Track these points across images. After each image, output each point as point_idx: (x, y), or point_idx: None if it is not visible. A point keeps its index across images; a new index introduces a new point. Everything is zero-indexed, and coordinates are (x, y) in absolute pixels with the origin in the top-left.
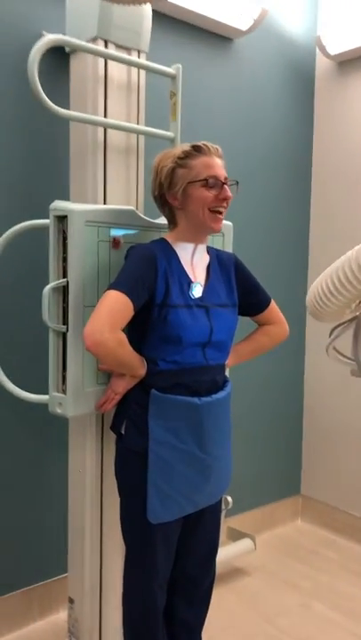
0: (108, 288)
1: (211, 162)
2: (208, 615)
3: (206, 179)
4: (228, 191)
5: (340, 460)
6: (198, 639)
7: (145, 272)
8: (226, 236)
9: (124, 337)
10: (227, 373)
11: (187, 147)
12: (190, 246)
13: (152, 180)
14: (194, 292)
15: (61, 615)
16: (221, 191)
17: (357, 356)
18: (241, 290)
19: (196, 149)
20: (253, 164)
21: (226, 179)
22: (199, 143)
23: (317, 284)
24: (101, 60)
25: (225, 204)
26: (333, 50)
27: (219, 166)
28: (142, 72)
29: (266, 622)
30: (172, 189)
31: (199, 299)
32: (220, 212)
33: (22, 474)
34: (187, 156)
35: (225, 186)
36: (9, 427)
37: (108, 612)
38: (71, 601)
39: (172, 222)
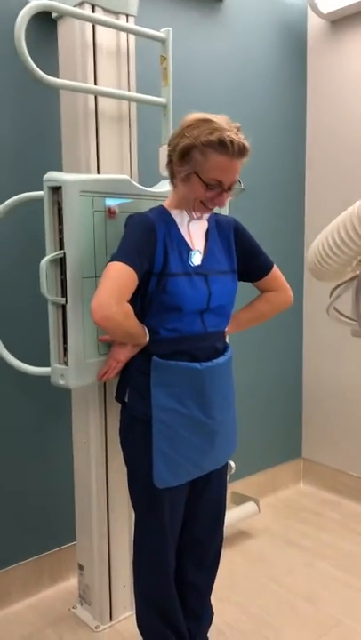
0: (111, 260)
1: (227, 165)
2: (216, 578)
3: (208, 183)
4: (225, 200)
5: (341, 423)
6: (207, 601)
7: (145, 241)
8: None
9: (130, 309)
10: (226, 339)
11: (216, 135)
12: (186, 214)
13: (176, 131)
14: (193, 260)
15: (72, 582)
16: (219, 197)
17: (359, 315)
18: (241, 254)
19: (222, 145)
20: (247, 126)
21: (233, 183)
22: (227, 140)
23: (318, 243)
24: (89, 26)
25: (214, 207)
26: (325, 8)
27: (232, 171)
28: (132, 37)
29: (271, 581)
30: (180, 163)
31: (198, 266)
32: (210, 208)
33: (28, 446)
34: (210, 145)
35: (224, 193)
36: (13, 399)
37: (117, 578)
38: (81, 567)
39: (172, 182)
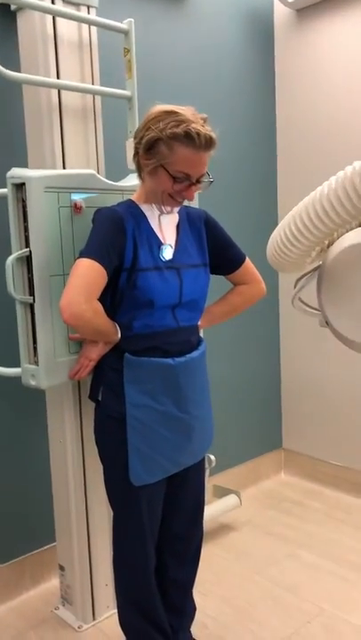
0: (79, 256)
1: (194, 158)
2: (199, 571)
3: (176, 175)
4: (193, 193)
5: (320, 412)
6: (190, 596)
7: (114, 236)
8: None
9: (100, 306)
10: (201, 334)
11: (182, 128)
12: (155, 207)
13: (141, 124)
14: (164, 254)
15: (54, 582)
16: (186, 190)
17: (321, 306)
18: (212, 247)
19: (189, 138)
20: (216, 119)
21: (201, 176)
22: (193, 132)
23: (276, 234)
24: (49, 18)
25: (183, 200)
26: None
27: (199, 163)
28: (94, 29)
29: (256, 574)
30: (146, 155)
31: (170, 260)
32: (178, 201)
33: (4, 447)
34: (176, 138)
35: (192, 187)
36: None
37: (98, 577)
38: (62, 568)
39: (140, 176)
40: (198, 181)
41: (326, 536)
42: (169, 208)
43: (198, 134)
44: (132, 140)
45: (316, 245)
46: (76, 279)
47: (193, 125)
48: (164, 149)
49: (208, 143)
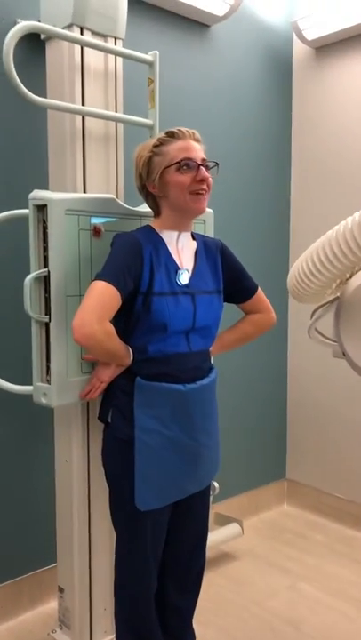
0: (95, 278)
1: (185, 145)
2: (199, 600)
3: (179, 161)
4: (205, 171)
5: (325, 444)
6: (189, 624)
7: (131, 261)
8: (207, 223)
9: (112, 328)
10: (212, 361)
11: (162, 134)
12: (174, 234)
13: (134, 172)
14: (181, 279)
15: (52, 604)
16: (198, 172)
17: (339, 337)
18: (227, 276)
19: (171, 135)
20: (233, 151)
21: (204, 160)
22: (174, 129)
23: (298, 265)
24: (77, 48)
25: (205, 186)
26: (310, 35)
27: (194, 149)
28: (119, 59)
29: (255, 605)
30: (150, 177)
31: (186, 285)
32: (202, 193)
33: (9, 465)
34: (162, 143)
35: (201, 167)
36: None
37: (97, 601)
38: (61, 590)
39: (157, 212)
40: (205, 167)
41: (328, 569)
42: (202, 204)
43: (179, 129)
44: (137, 183)
45: (338, 278)
46: (90, 300)
47: (170, 128)
48: (159, 158)
49: (192, 135)
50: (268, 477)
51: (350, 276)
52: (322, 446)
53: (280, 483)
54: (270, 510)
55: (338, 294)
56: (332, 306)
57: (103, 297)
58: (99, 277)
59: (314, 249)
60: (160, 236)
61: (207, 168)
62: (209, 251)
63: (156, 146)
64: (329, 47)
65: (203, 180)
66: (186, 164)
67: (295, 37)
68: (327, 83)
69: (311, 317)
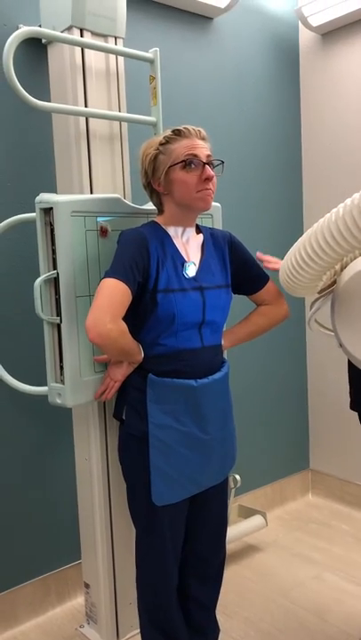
0: (104, 276)
1: (191, 143)
2: (224, 592)
3: (185, 160)
4: (210, 170)
5: (348, 433)
6: (212, 616)
7: (138, 256)
8: (215, 217)
9: (125, 325)
10: (225, 355)
11: (168, 131)
12: (179, 229)
13: (140, 169)
14: (188, 272)
15: (79, 600)
16: (203, 171)
17: (335, 329)
18: (236, 267)
19: (177, 133)
20: (242, 143)
21: (209, 157)
22: (180, 127)
23: (287, 258)
24: (78, 49)
25: (210, 186)
26: (315, 21)
27: (200, 147)
28: (120, 58)
29: (281, 596)
30: (155, 175)
31: (193, 278)
32: (208, 193)
33: (31, 465)
34: (167, 141)
35: (206, 166)
36: (15, 419)
37: (123, 595)
38: (87, 586)
39: (160, 209)
40: (210, 164)
41: (353, 559)
42: (207, 203)
43: (185, 127)
44: (142, 181)
45: (327, 270)
46: (102, 299)
47: (177, 126)
48: (165, 157)
49: (198, 133)
50: (292, 468)
51: (342, 268)
52: (345, 435)
53: (304, 473)
54: (295, 501)
55: (332, 286)
56: (329, 297)
57: (114, 294)
58: (107, 275)
59: (301, 241)
60: (165, 231)
61: (212, 166)
62: (217, 243)
63: (161, 144)
64: (335, 32)
65: (208, 180)
66: (191, 163)
67: (300, 25)
68: (335, 69)
69: (310, 309)
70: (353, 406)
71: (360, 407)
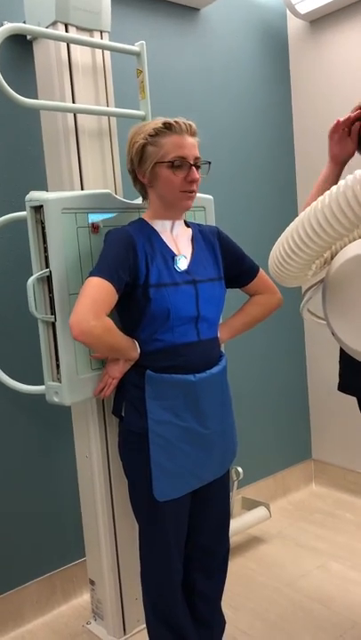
0: (88, 275)
1: (181, 141)
2: (229, 584)
3: (173, 160)
4: (196, 173)
5: (349, 422)
6: (217, 608)
7: (123, 255)
8: (207, 210)
9: (110, 322)
10: (222, 348)
11: (159, 123)
12: (168, 223)
13: (126, 153)
14: (179, 265)
15: (85, 597)
16: (189, 173)
17: (327, 317)
18: (227, 261)
19: (167, 127)
20: (232, 133)
21: (197, 159)
22: (171, 120)
23: (276, 248)
24: (64, 45)
25: (194, 187)
26: (303, 9)
27: (189, 146)
28: (107, 53)
29: (286, 587)
30: (141, 167)
31: (185, 272)
32: (191, 194)
33: (32, 464)
34: (157, 133)
35: (193, 168)
36: (15, 418)
37: (128, 591)
38: (92, 583)
39: (145, 197)
40: (197, 166)
41: (358, 547)
42: (189, 203)
43: (176, 122)
44: (128, 167)
45: (316, 259)
46: (85, 298)
47: (168, 119)
48: (153, 149)
49: (188, 128)
50: (295, 459)
51: (332, 256)
52: (346, 424)
53: (307, 463)
54: (298, 491)
55: (322, 275)
56: (321, 286)
57: (98, 292)
58: (92, 274)
59: (289, 229)
60: (152, 227)
61: (198, 168)
62: (206, 237)
63: (151, 135)
64: (323, 19)
65: (193, 182)
66: (179, 165)
67: (288, 12)
68: (324, 56)
69: (302, 298)
70: (340, 388)
71: (347, 390)
